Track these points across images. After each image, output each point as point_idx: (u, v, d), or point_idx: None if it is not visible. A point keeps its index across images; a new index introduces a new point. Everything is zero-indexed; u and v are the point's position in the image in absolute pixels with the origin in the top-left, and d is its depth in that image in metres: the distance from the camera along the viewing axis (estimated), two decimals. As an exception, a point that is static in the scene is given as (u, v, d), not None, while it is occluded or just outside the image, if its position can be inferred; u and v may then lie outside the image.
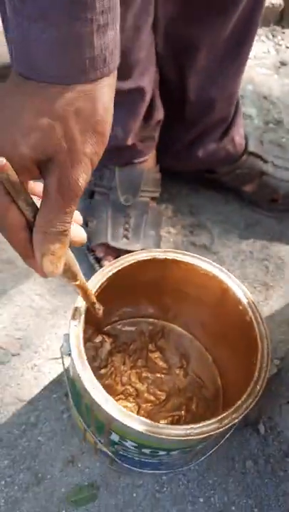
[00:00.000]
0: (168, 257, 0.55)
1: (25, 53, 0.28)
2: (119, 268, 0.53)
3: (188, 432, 0.43)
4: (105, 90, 0.30)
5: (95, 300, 0.48)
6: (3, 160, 0.28)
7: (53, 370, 0.68)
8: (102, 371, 0.65)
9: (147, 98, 0.68)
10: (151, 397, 0.64)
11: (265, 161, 0.83)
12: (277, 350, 0.73)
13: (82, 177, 0.31)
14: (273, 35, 1.22)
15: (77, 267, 0.40)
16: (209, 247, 0.83)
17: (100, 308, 0.49)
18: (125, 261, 0.54)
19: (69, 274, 0.39)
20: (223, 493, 0.62)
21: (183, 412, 0.64)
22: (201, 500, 0.61)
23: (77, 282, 0.41)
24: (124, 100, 0.67)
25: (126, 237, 0.74)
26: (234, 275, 0.81)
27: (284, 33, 1.23)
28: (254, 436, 0.66)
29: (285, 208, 0.86)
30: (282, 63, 1.17)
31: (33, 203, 0.32)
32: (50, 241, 0.32)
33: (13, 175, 0.29)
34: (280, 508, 0.62)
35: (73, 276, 0.40)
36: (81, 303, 0.49)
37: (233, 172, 0.83)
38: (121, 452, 0.53)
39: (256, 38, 1.20)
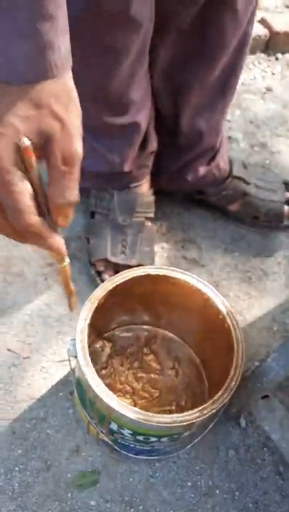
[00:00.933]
0: (159, 273, 0.65)
1: (6, 63, 0.34)
2: (118, 283, 0.62)
3: (174, 419, 0.53)
4: (70, 78, 0.37)
5: (72, 288, 0.50)
6: (27, 140, 0.35)
7: (59, 372, 0.77)
8: (103, 372, 0.74)
9: (142, 131, 0.77)
10: (146, 394, 0.73)
11: (248, 183, 0.93)
12: (258, 353, 0.82)
13: (79, 145, 0.37)
14: (259, 63, 1.32)
15: (65, 249, 0.44)
16: (198, 260, 0.93)
17: (75, 301, 0.52)
18: (123, 276, 0.63)
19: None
20: (208, 478, 0.71)
21: (173, 407, 0.72)
22: (189, 484, 0.70)
23: (64, 264, 0.46)
24: (122, 132, 0.76)
25: (124, 253, 0.83)
26: (220, 286, 0.90)
27: (270, 60, 1.33)
28: (236, 429, 0.75)
29: (266, 224, 0.95)
30: (268, 89, 1.27)
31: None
32: (63, 210, 0.38)
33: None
34: (258, 491, 0.71)
35: (61, 258, 0.44)
36: (87, 313, 0.59)
37: (220, 193, 0.92)
38: (119, 440, 0.62)
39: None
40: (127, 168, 0.80)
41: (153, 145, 0.82)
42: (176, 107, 0.81)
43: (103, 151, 0.78)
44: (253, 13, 0.72)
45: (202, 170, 0.88)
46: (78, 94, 0.38)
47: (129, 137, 0.77)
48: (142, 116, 0.76)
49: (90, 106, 0.70)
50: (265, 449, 0.74)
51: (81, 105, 0.39)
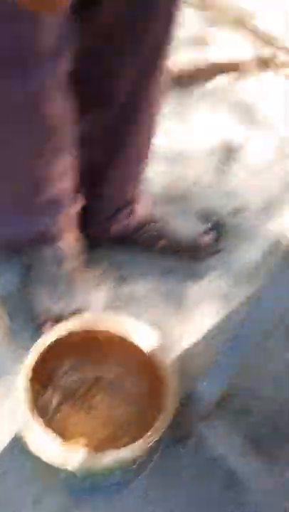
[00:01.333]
0: (90, 323, 0.71)
1: None
2: (55, 337, 0.68)
3: (120, 455, 0.58)
4: None
5: None
6: None
7: (12, 426, 0.79)
8: (55, 417, 0.77)
9: (66, 203, 0.85)
10: (100, 433, 0.77)
11: (168, 222, 1.02)
12: (195, 378, 0.88)
13: None
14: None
15: None
16: (132, 297, 0.99)
17: None
18: (56, 332, 0.69)
19: None
20: (164, 502, 0.76)
21: (128, 438, 0.76)
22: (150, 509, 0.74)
23: None
24: (45, 208, 0.84)
25: (60, 302, 0.89)
26: (156, 318, 0.97)
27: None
28: (185, 450, 0.80)
29: (190, 256, 1.04)
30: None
31: None
32: None
33: None
34: (215, 506, 0.76)
35: None
36: (27, 369, 0.63)
37: (143, 235, 1.01)
38: (76, 484, 0.66)
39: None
40: (53, 232, 0.87)
41: (77, 207, 0.89)
42: (109, 158, 0.90)
43: (30, 224, 0.85)
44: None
45: (124, 221, 0.97)
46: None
47: (52, 212, 0.85)
48: (64, 190, 0.83)
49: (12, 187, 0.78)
50: (215, 464, 0.80)
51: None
